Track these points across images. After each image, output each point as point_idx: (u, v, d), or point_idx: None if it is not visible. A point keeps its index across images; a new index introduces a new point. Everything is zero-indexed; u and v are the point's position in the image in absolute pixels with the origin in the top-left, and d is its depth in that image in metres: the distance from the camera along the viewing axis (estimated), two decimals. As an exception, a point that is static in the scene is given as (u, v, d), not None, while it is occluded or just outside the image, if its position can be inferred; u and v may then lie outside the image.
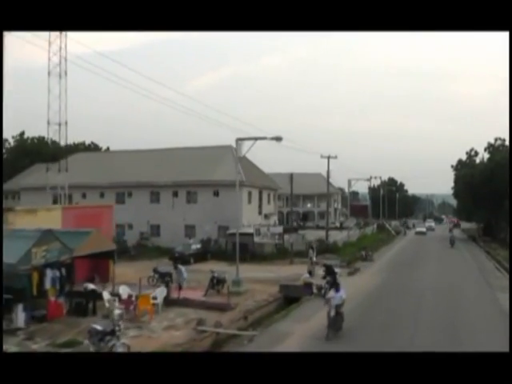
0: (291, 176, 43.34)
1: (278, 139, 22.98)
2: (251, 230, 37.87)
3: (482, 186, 56.61)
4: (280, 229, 36.02)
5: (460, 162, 68.09)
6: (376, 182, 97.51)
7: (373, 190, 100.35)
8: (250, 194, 45.29)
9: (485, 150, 62.32)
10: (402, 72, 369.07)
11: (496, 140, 61.47)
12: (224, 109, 42.28)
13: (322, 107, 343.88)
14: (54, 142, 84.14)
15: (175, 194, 45.76)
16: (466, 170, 63.82)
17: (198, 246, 38.96)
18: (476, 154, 66.16)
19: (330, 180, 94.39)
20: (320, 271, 25.60)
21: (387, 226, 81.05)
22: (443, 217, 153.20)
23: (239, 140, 23.53)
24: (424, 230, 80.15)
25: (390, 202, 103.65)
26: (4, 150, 77.97)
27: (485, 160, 62.35)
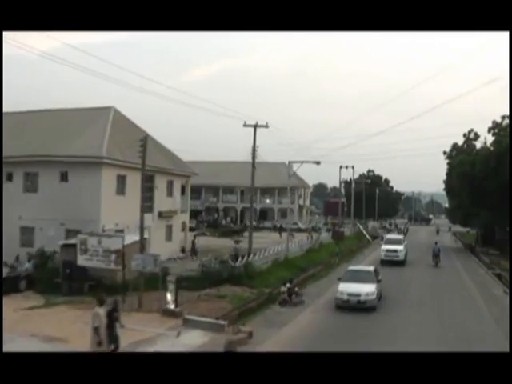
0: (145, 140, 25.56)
1: None
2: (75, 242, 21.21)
3: (484, 177, 42.22)
4: (118, 242, 19.44)
5: (455, 146, 52.14)
6: (350, 175, 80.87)
7: (348, 184, 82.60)
8: (122, 178, 28.43)
9: (488, 130, 46.27)
10: (400, 70, 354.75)
11: (503, 118, 45.44)
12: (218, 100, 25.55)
13: (315, 102, 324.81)
14: None
15: (9, 177, 28.94)
16: (463, 157, 47.89)
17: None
18: (476, 136, 50.12)
19: (297, 171, 78.22)
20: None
21: (361, 228, 64.62)
22: (431, 217, 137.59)
23: None
24: (369, 269, 23.39)
25: (369, 199, 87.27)
26: None
27: (488, 144, 46.54)
